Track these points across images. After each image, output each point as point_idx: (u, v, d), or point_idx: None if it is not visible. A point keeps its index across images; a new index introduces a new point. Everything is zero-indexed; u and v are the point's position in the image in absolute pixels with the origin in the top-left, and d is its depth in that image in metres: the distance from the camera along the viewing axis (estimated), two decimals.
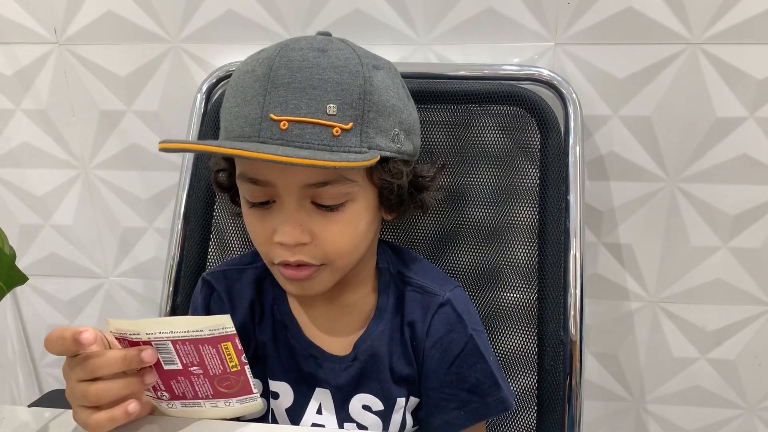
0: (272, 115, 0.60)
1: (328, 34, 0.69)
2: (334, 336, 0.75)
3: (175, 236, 0.97)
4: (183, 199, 0.97)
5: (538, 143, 0.88)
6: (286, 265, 0.66)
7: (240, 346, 0.58)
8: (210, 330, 0.57)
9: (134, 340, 0.56)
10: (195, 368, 0.59)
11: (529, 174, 0.89)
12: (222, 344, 0.58)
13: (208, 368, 0.59)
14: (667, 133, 0.97)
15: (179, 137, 1.04)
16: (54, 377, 1.33)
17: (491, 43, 0.95)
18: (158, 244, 1.17)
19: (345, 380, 0.74)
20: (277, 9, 0.98)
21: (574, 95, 0.91)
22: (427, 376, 0.74)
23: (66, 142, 1.12)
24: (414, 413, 0.77)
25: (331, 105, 0.61)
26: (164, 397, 0.61)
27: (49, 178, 1.15)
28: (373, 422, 0.74)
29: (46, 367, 1.32)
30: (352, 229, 0.67)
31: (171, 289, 0.97)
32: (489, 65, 0.94)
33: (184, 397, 0.61)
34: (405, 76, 0.95)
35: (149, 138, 1.09)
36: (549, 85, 0.92)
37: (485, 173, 0.91)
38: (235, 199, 0.73)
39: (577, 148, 0.89)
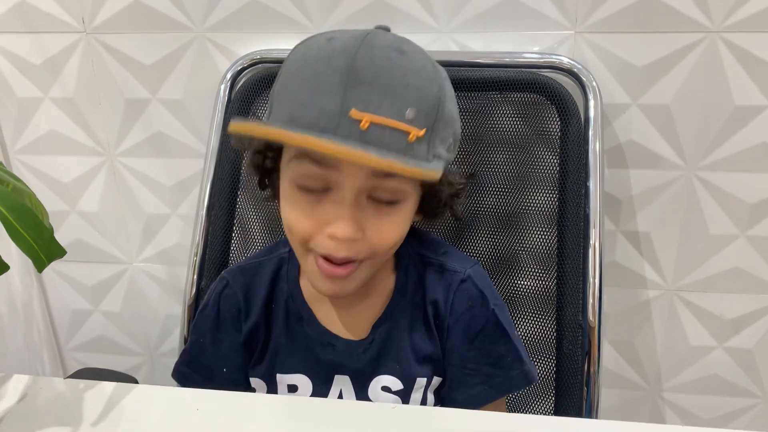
0: (353, 112, 0.58)
1: (387, 29, 0.68)
2: (352, 321, 0.76)
3: (199, 223, 0.98)
4: (207, 187, 0.98)
5: (557, 131, 0.89)
6: (327, 260, 0.65)
7: None
8: None
9: None
10: None
11: (548, 161, 0.90)
12: None
13: None
14: (686, 122, 0.97)
15: (203, 125, 1.05)
16: (78, 361, 1.36)
17: (511, 31, 0.96)
18: (182, 230, 1.19)
19: (363, 363, 0.74)
20: None
21: (594, 83, 0.92)
22: (450, 353, 0.75)
23: (92, 129, 1.14)
24: (437, 392, 0.78)
25: (411, 110, 0.60)
26: None
27: (76, 165, 1.18)
28: (393, 402, 0.75)
29: (71, 351, 1.35)
30: (400, 228, 0.67)
31: (195, 275, 0.98)
32: (509, 53, 0.95)
33: None
34: None
35: (174, 126, 1.11)
36: (569, 72, 0.93)
37: (505, 160, 0.92)
38: (263, 183, 0.73)
39: (597, 135, 0.90)
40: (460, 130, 0.71)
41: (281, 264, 0.78)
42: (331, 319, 0.76)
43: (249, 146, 0.73)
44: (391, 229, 0.66)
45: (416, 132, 0.60)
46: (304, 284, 0.77)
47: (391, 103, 0.59)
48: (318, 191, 0.64)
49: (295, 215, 0.66)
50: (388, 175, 0.62)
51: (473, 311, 0.74)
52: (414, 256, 0.77)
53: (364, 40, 0.62)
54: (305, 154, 0.63)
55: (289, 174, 0.66)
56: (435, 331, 0.75)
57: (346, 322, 0.76)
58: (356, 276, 0.67)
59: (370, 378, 0.75)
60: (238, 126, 0.59)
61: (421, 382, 0.75)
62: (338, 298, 0.75)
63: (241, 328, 0.77)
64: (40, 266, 0.49)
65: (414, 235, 0.80)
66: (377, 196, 0.64)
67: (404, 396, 0.75)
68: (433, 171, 0.60)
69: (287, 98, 0.63)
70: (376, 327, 0.74)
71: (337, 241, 0.63)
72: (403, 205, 0.66)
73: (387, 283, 0.76)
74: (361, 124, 0.58)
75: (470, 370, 0.74)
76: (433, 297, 0.75)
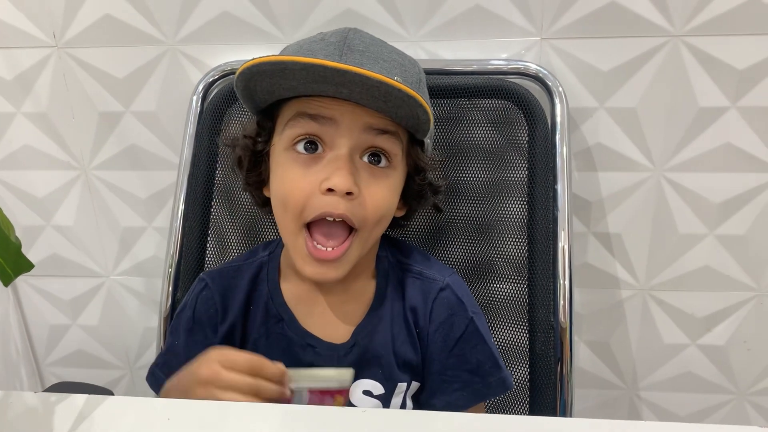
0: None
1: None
2: (333, 325, 0.76)
3: (174, 235, 0.98)
4: (181, 198, 0.99)
5: (526, 136, 0.91)
6: (317, 240, 0.67)
7: (348, 398, 0.68)
8: (339, 383, 0.67)
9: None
10: None
11: (518, 166, 0.91)
12: (337, 397, 0.67)
13: None
14: (652, 124, 0.99)
15: (177, 136, 1.06)
16: (57, 376, 1.35)
17: (479, 38, 0.98)
18: (157, 242, 1.19)
19: (344, 366, 0.75)
20: (271, 10, 1.00)
21: (560, 88, 0.93)
22: (431, 360, 0.76)
23: (66, 143, 1.14)
24: (415, 397, 0.78)
25: (398, 78, 0.64)
26: None
27: (50, 179, 1.17)
28: (374, 406, 0.76)
29: (49, 366, 1.34)
30: (390, 195, 0.70)
31: (170, 287, 0.98)
32: (477, 60, 0.97)
33: None
34: None
35: (147, 138, 1.11)
36: (536, 78, 0.94)
37: (475, 167, 0.93)
38: (249, 175, 0.75)
39: (564, 139, 0.91)
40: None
41: (261, 267, 0.79)
42: (311, 322, 0.76)
43: (241, 136, 0.75)
44: (383, 194, 0.68)
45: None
46: (285, 286, 0.77)
47: (381, 69, 0.65)
48: (313, 154, 0.67)
49: (290, 180, 0.68)
50: (383, 131, 0.66)
51: (452, 319, 0.75)
52: (393, 263, 0.78)
53: (351, 28, 0.70)
54: (302, 113, 0.67)
55: (283, 141, 0.69)
56: (416, 337, 0.76)
57: (327, 325, 0.76)
58: (346, 258, 0.69)
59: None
60: (249, 63, 0.64)
61: (402, 386, 0.76)
62: (319, 302, 0.76)
63: (216, 330, 0.77)
64: (5, 280, 0.50)
65: (393, 243, 0.81)
66: (370, 159, 0.67)
67: (385, 400, 0.76)
68: (430, 116, 0.65)
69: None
70: (357, 332, 0.75)
71: (336, 196, 0.65)
72: (393, 172, 0.69)
73: (368, 289, 0.77)
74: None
75: (449, 376, 0.75)
76: (412, 304, 0.76)
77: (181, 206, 0.99)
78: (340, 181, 0.64)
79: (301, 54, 0.67)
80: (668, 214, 1.05)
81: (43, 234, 1.22)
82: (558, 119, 0.92)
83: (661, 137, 1.00)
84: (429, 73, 0.95)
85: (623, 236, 1.07)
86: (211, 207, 0.98)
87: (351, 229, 0.68)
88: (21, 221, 1.21)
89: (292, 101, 0.69)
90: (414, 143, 0.72)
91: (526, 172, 0.91)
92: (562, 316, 0.88)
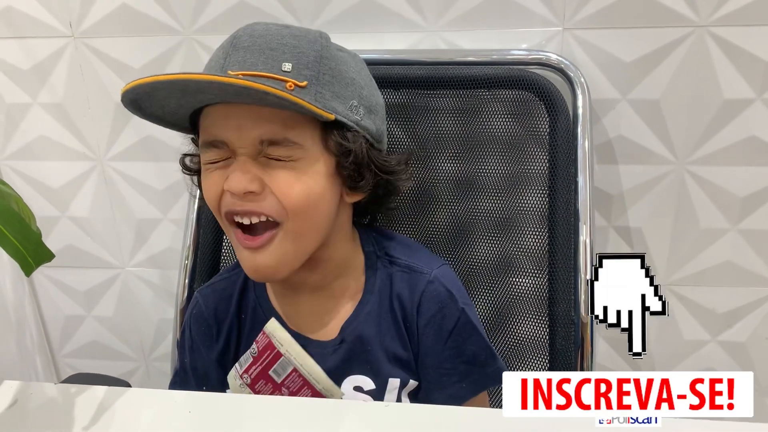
0: (229, 71, 0.64)
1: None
2: (321, 323, 0.76)
3: (190, 226, 0.98)
4: (197, 190, 0.98)
5: (547, 128, 0.89)
6: (242, 228, 0.68)
7: None
8: (324, 388, 0.68)
9: (274, 345, 0.68)
10: (285, 390, 0.67)
11: (538, 158, 0.90)
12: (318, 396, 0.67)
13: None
14: (676, 116, 0.98)
15: None
16: (71, 367, 1.35)
17: (499, 28, 0.97)
18: (173, 234, 1.19)
19: (334, 363, 0.74)
20: (288, 0, 0.99)
21: (582, 79, 0.91)
22: (425, 355, 0.75)
23: (82, 134, 1.14)
24: (414, 396, 0.77)
25: (287, 63, 0.65)
26: (245, 380, 0.68)
27: (66, 170, 1.17)
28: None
29: (64, 357, 1.34)
30: (303, 182, 0.67)
31: (187, 279, 0.98)
32: (497, 50, 0.95)
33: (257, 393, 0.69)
34: (414, 62, 0.96)
35: (164, 129, 1.09)
36: (557, 69, 0.93)
37: (495, 159, 0.92)
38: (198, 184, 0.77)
39: (586, 131, 0.89)
40: (376, 101, 0.73)
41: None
42: (299, 321, 0.77)
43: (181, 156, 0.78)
44: (290, 182, 0.66)
45: (295, 81, 0.64)
46: (271, 289, 0.78)
47: (266, 59, 0.64)
48: (222, 163, 0.68)
49: (205, 185, 0.70)
50: (273, 142, 0.65)
51: (443, 311, 0.74)
52: (383, 257, 0.78)
53: (250, 24, 0.69)
54: (204, 142, 0.68)
55: (203, 162, 0.71)
56: (404, 332, 0.75)
57: (315, 323, 0.76)
58: (275, 249, 0.68)
59: (342, 378, 0.75)
60: (124, 88, 0.64)
61: (394, 383, 0.75)
62: (306, 302, 0.76)
63: (212, 346, 0.78)
64: (27, 270, 0.49)
65: (383, 235, 0.81)
66: (274, 156, 0.67)
67: (377, 396, 0.75)
68: (305, 102, 0.62)
69: None
70: (345, 327, 0.75)
71: (236, 195, 0.66)
72: (303, 161, 0.67)
73: (356, 283, 0.77)
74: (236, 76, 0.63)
75: (447, 369, 0.74)
76: (400, 299, 0.75)
77: (197, 198, 0.98)
78: (234, 183, 0.65)
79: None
80: (690, 208, 1.03)
81: (59, 225, 1.22)
82: (580, 111, 0.90)
83: (684, 130, 0.98)
84: (449, 63, 0.95)
85: (644, 230, 1.06)
86: None
87: (276, 224, 0.68)
88: (36, 212, 1.18)
89: (200, 124, 0.70)
90: (332, 128, 0.68)
91: (547, 164, 0.89)
92: (583, 311, 0.87)
